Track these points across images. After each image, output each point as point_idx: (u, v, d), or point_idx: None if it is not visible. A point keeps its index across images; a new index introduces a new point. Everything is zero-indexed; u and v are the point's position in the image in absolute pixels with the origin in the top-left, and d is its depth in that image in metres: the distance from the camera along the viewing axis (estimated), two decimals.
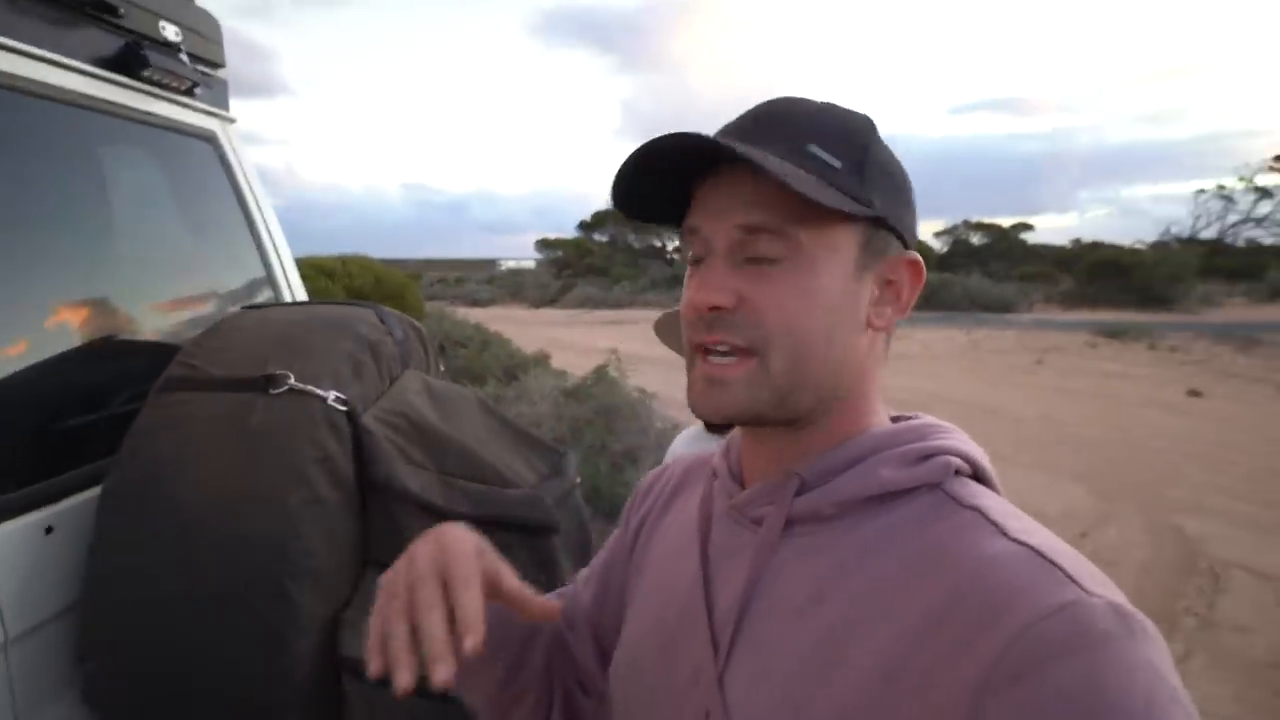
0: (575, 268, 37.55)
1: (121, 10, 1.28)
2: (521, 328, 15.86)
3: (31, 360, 1.03)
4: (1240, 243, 33.63)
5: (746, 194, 0.52)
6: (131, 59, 1.30)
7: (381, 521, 1.01)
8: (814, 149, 0.53)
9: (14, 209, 1.06)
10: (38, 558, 0.92)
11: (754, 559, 0.56)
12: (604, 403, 4.91)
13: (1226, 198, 34.06)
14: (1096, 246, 27.53)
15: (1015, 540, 0.48)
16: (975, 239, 46.09)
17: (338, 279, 7.24)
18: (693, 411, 0.57)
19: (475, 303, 27.74)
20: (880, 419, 0.58)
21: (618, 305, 26.61)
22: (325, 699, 0.92)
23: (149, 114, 1.40)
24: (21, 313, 1.04)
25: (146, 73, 1.32)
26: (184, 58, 1.46)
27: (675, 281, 30.38)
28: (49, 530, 0.94)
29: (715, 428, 1.43)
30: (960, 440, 0.56)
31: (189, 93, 1.49)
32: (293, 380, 1.01)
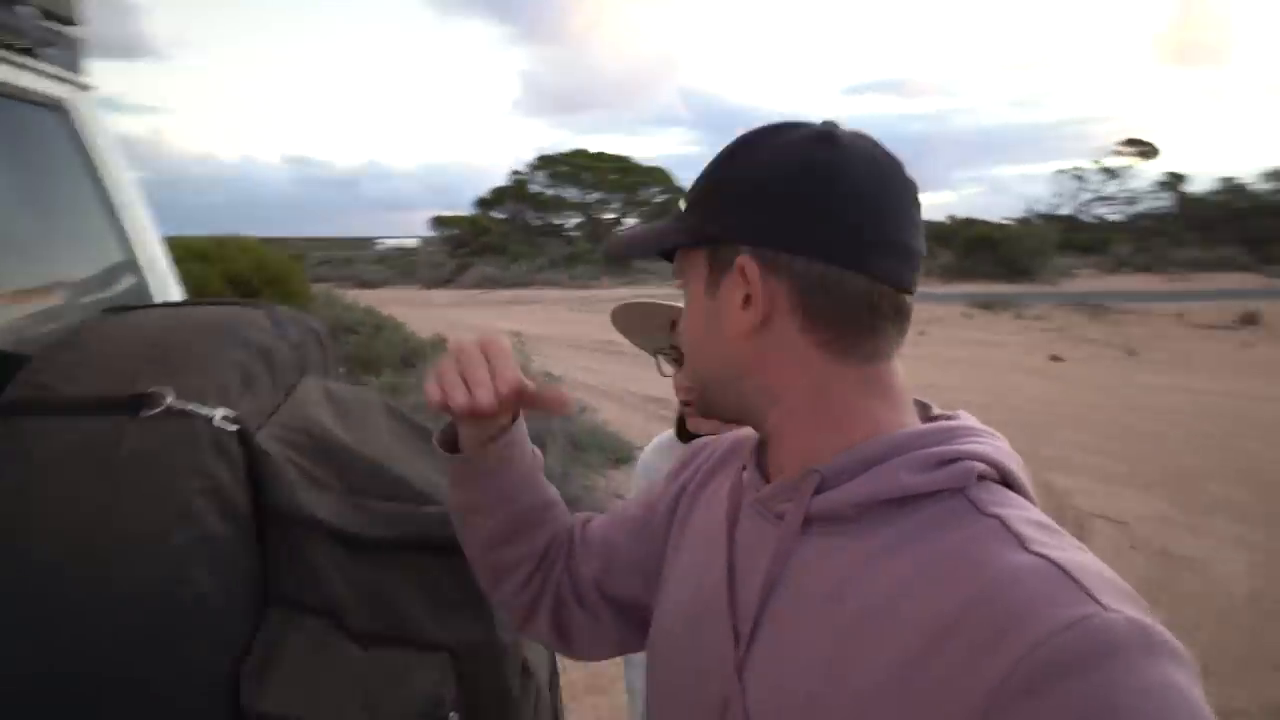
0: (471, 246, 36.52)
1: None
2: (416, 310, 15.29)
3: None
4: (1091, 219, 36.79)
5: None
6: None
7: (285, 554, 0.90)
8: (681, 200, 0.64)
9: None
10: None
11: (774, 555, 0.57)
12: None
13: (1079, 178, 37.08)
14: (971, 223, 29.28)
15: (1033, 552, 0.47)
16: None
17: (214, 262, 6.68)
18: None
19: (364, 284, 26.50)
20: (899, 419, 0.57)
21: (516, 285, 26.13)
22: None
23: None
24: None
25: None
26: (24, 10, 1.24)
27: (575, 260, 30.13)
28: None
29: (686, 435, 1.38)
30: (989, 444, 0.55)
31: (29, 52, 1.27)
32: (171, 399, 0.87)
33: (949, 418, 0.59)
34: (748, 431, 0.70)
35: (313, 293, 8.38)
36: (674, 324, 1.30)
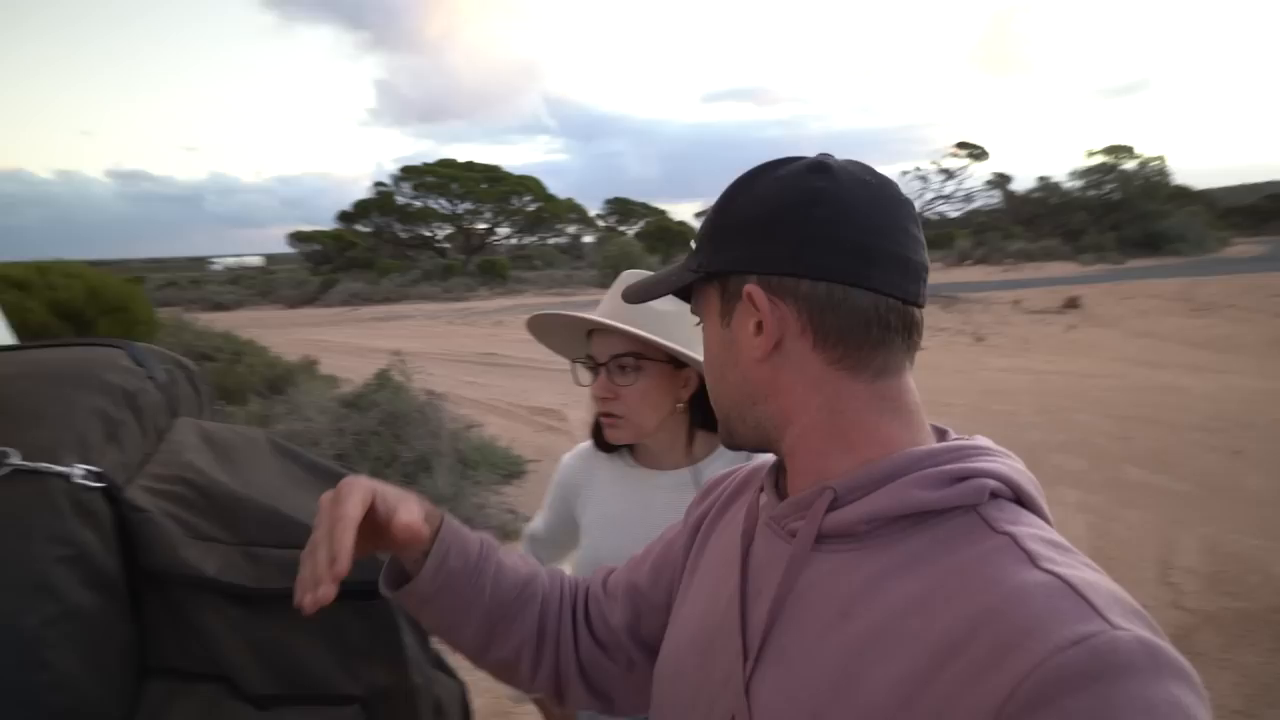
0: (336, 262, 34.71)
1: None
2: (279, 332, 14.36)
3: None
4: (934, 216, 40.03)
5: None
6: None
7: (168, 618, 0.82)
8: (693, 241, 0.67)
9: None
10: None
11: (785, 571, 0.57)
12: (389, 410, 4.59)
13: (923, 178, 40.29)
14: None
15: (1044, 570, 0.47)
16: None
17: (35, 292, 5.96)
18: None
19: (218, 306, 24.58)
20: (912, 437, 0.58)
21: (388, 300, 25.07)
22: None
23: None
24: None
25: None
26: None
27: (449, 272, 29.30)
28: None
29: (603, 445, 1.34)
30: (1003, 463, 0.56)
31: None
32: (17, 458, 0.78)
33: (965, 439, 0.60)
34: (767, 458, 0.71)
35: (159, 320, 7.67)
36: (590, 334, 1.29)
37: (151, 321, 6.88)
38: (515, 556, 0.81)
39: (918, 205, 0.87)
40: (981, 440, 0.59)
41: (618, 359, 1.20)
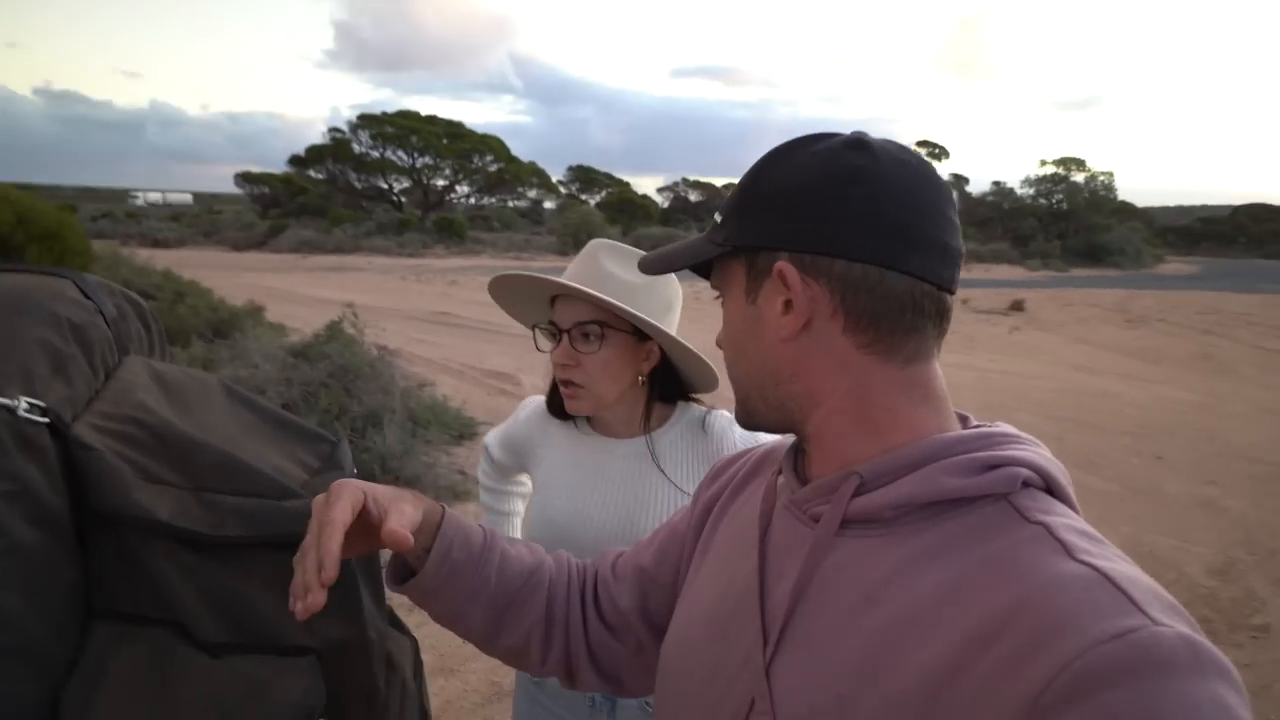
0: (286, 207, 33.49)
1: None
2: (224, 275, 13.83)
3: None
4: None
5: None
6: None
7: (118, 562, 0.78)
8: (716, 214, 0.65)
9: None
10: None
11: (809, 555, 0.56)
12: (340, 363, 4.47)
13: None
14: None
15: (1081, 561, 0.46)
16: (693, 196, 49.78)
17: None
18: None
19: (158, 243, 23.50)
20: (940, 424, 0.57)
21: (340, 250, 24.33)
22: None
23: None
24: None
25: None
26: None
27: (404, 227, 28.55)
28: None
29: (558, 412, 1.32)
30: (1033, 451, 0.55)
31: None
32: None
33: (989, 426, 0.59)
34: (780, 440, 0.70)
35: (95, 252, 7.29)
36: (554, 300, 1.27)
37: (87, 253, 6.54)
38: (521, 544, 0.80)
39: None
40: (1007, 427, 0.58)
41: (581, 326, 1.19)
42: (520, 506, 1.50)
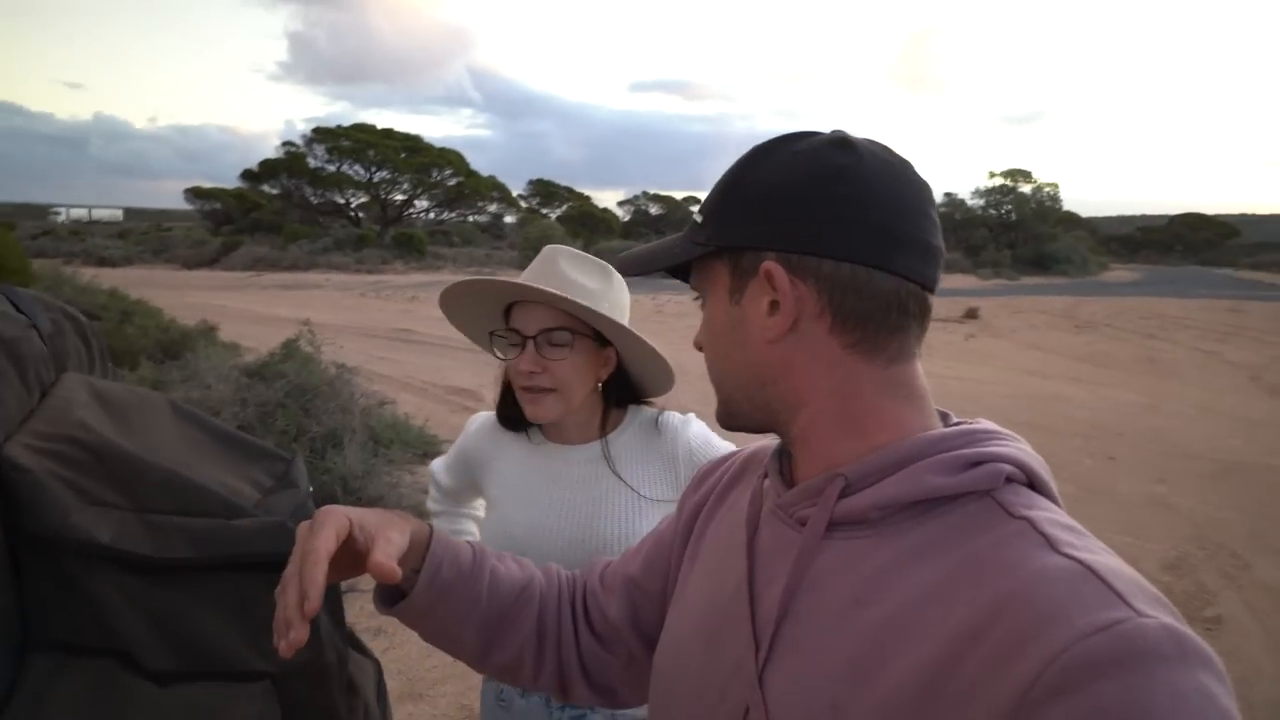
0: (239, 223, 32.77)
1: None
2: (175, 294, 13.45)
3: None
4: None
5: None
6: None
7: (56, 589, 0.74)
8: (696, 214, 0.64)
9: None
10: None
11: (797, 560, 0.56)
12: (296, 382, 4.36)
13: None
14: None
15: (1064, 555, 0.46)
16: (654, 209, 50.06)
17: None
18: None
19: (104, 261, 22.77)
20: (923, 423, 0.57)
21: (296, 268, 23.86)
22: None
23: None
24: None
25: None
26: None
27: (362, 242, 28.12)
28: None
29: (508, 423, 1.30)
30: (1014, 447, 0.55)
31: None
32: None
33: (971, 423, 0.59)
34: (764, 443, 0.69)
35: (35, 271, 7.01)
36: (510, 308, 1.23)
37: (25, 272, 6.29)
38: (510, 560, 0.79)
39: None
40: (988, 424, 0.58)
41: (548, 333, 1.18)
42: (474, 529, 1.47)
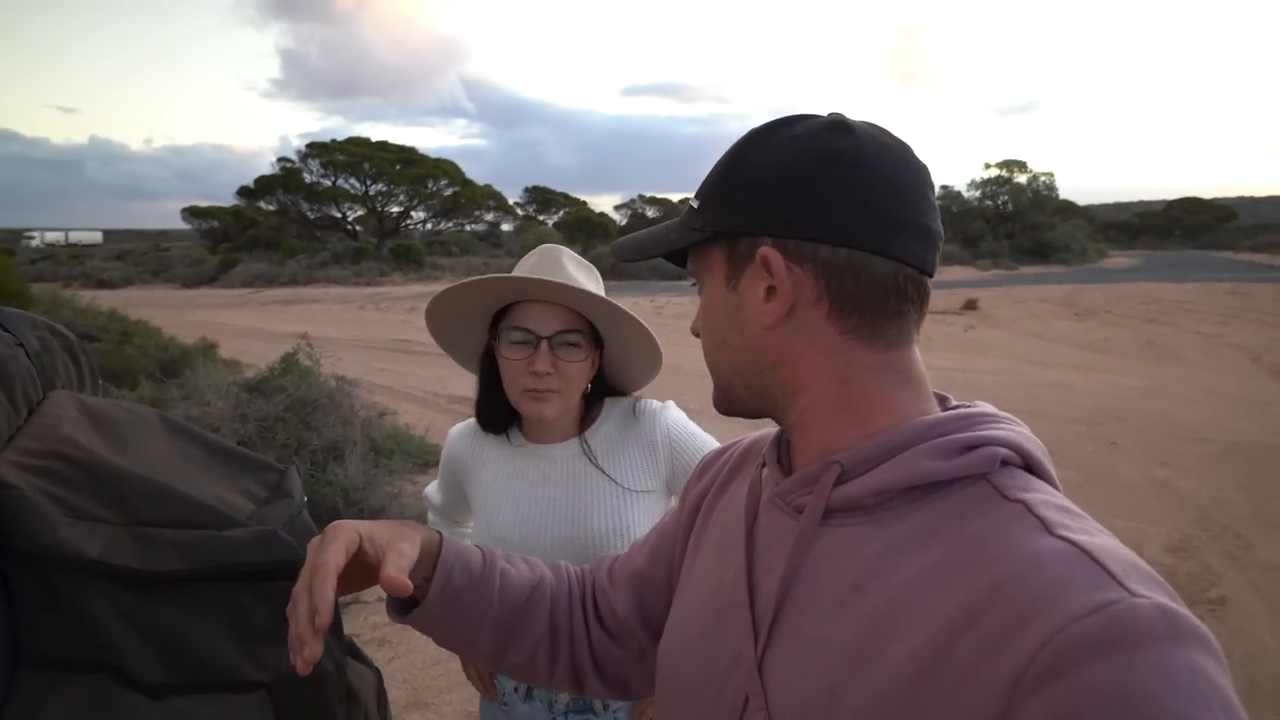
0: (237, 240, 32.84)
1: None
2: (174, 313, 13.48)
3: None
4: None
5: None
6: None
7: (47, 605, 0.75)
8: (692, 200, 0.63)
9: None
10: None
11: (794, 548, 0.56)
12: (297, 395, 4.37)
13: None
14: None
15: (1059, 537, 0.46)
16: (650, 212, 50.10)
17: None
18: None
19: (103, 284, 22.83)
20: (920, 408, 0.56)
21: (294, 282, 23.89)
22: None
23: None
24: None
25: None
26: None
27: (360, 255, 28.14)
28: None
29: (489, 425, 1.30)
30: (1011, 430, 0.55)
31: None
32: None
33: (968, 407, 0.58)
34: (764, 432, 0.69)
35: (34, 295, 7.04)
36: (503, 311, 1.23)
37: (24, 296, 6.32)
38: (520, 561, 0.79)
39: None
40: (985, 407, 0.58)
41: (563, 334, 1.18)
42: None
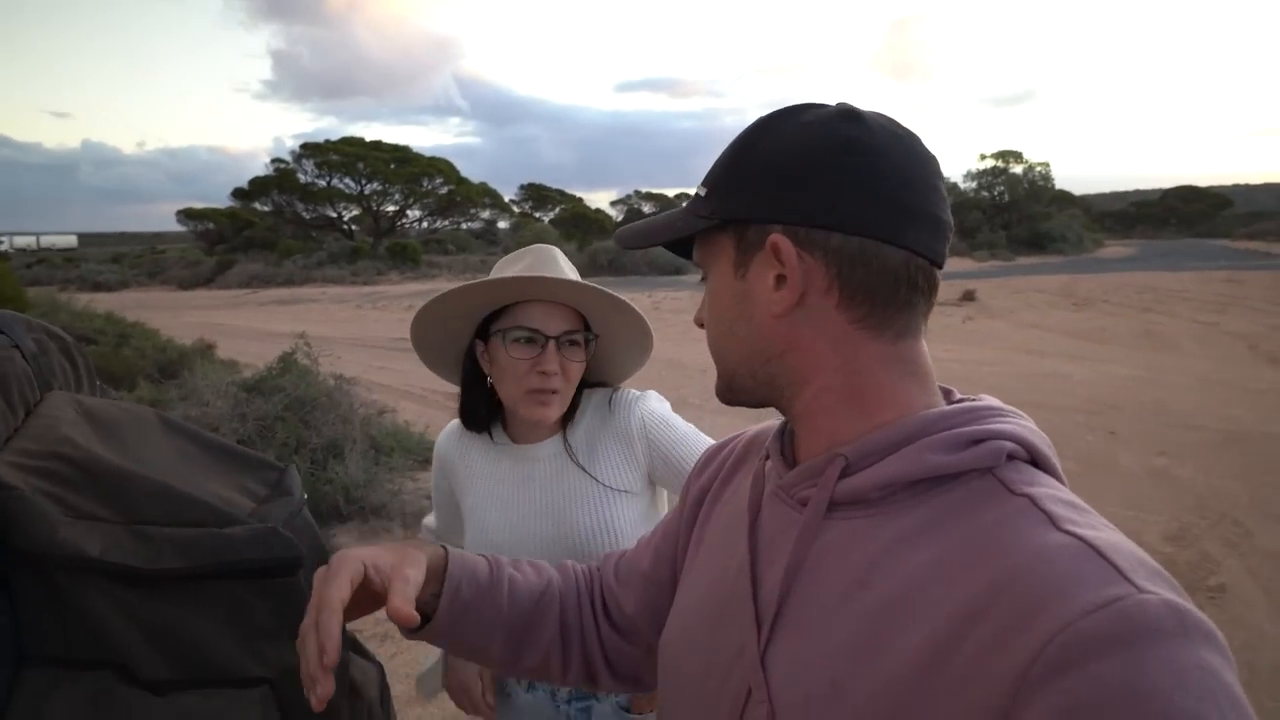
0: (232, 241, 32.78)
1: None
2: (171, 315, 13.47)
3: None
4: None
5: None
6: None
7: (48, 604, 0.75)
8: (698, 188, 0.63)
9: None
10: None
11: (797, 541, 0.56)
12: (296, 394, 4.37)
13: None
14: None
15: (1065, 531, 0.46)
16: (646, 208, 50.06)
17: None
18: None
19: (99, 286, 22.79)
20: (926, 400, 0.56)
21: (291, 283, 23.85)
22: None
23: None
24: None
25: None
26: None
27: (356, 254, 28.09)
28: None
29: (474, 423, 1.31)
30: (1017, 424, 0.54)
31: None
32: None
33: (973, 400, 0.58)
34: (767, 425, 0.68)
35: (30, 299, 7.03)
36: (501, 311, 1.23)
37: (20, 300, 6.31)
38: (526, 565, 0.80)
39: None
40: (991, 400, 0.58)
41: (571, 334, 1.18)
42: None
